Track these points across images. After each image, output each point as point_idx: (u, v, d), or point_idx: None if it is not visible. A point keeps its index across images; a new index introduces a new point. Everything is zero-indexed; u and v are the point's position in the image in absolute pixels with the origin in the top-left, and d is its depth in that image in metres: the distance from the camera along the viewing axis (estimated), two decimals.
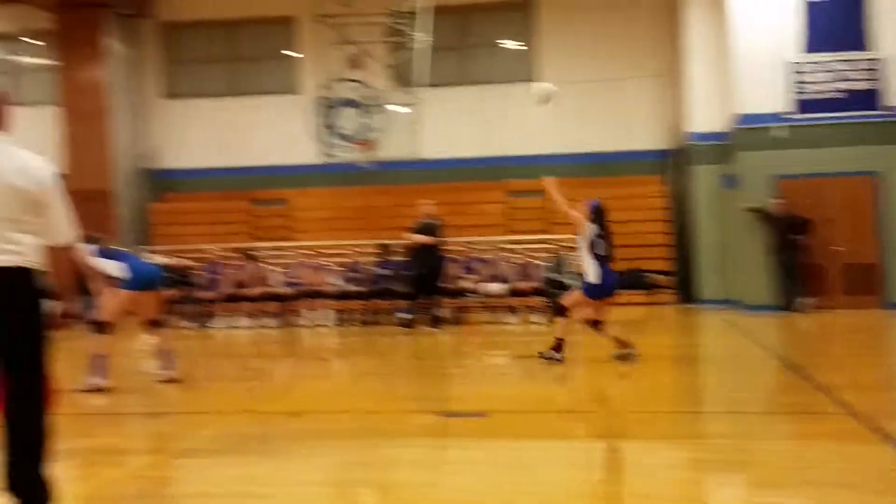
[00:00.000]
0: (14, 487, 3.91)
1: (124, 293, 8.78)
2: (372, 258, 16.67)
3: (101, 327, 8.68)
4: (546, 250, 16.45)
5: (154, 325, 9.20)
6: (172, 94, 21.29)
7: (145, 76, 21.12)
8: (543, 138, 19.67)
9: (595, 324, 9.77)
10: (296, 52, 20.81)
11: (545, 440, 6.18)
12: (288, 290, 16.15)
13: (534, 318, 15.20)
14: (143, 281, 8.93)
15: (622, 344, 9.68)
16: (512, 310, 15.59)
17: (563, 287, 14.74)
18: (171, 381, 8.98)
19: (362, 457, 5.61)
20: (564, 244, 15.71)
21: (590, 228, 9.65)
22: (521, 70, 20.17)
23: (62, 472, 4.10)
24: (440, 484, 4.95)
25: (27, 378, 3.96)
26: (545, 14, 20.27)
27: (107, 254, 9.01)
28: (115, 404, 8.28)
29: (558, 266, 15.67)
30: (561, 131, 19.68)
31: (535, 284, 15.54)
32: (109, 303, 8.78)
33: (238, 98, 20.96)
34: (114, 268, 8.83)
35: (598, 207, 9.80)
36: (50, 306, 4.07)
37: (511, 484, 4.96)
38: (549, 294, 14.94)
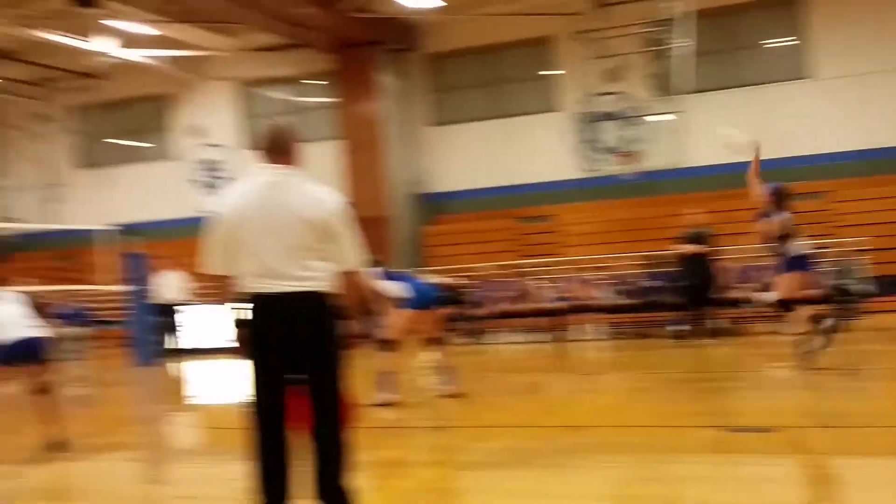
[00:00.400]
0: (322, 497, 4.22)
1: (407, 312, 9.24)
2: (640, 270, 16.44)
3: (387, 345, 9.19)
4: (828, 256, 15.43)
5: (435, 342, 9.60)
6: (439, 121, 22.19)
7: (414, 106, 22.15)
8: (823, 136, 18.52)
9: (787, 304, 9.40)
10: (554, 70, 21.03)
11: (840, 457, 5.81)
12: (558, 305, 16.27)
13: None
14: (423, 300, 9.35)
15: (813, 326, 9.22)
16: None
17: (849, 294, 13.78)
18: (453, 395, 9.32)
19: (647, 472, 5.54)
20: (850, 248, 14.67)
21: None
22: (792, 67, 19.15)
23: (361, 483, 4.38)
24: (729, 502, 4.79)
25: (329, 395, 4.26)
26: (817, 5, 19.10)
27: (390, 276, 9.54)
28: (402, 418, 8.72)
29: (845, 272, 14.66)
30: (842, 127, 18.44)
31: (816, 292, 14.61)
32: (395, 322, 9.28)
33: (500, 120, 21.45)
34: (397, 289, 9.33)
35: (779, 190, 9.96)
36: (344, 327, 4.37)
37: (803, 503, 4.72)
38: (836, 302, 14.01)
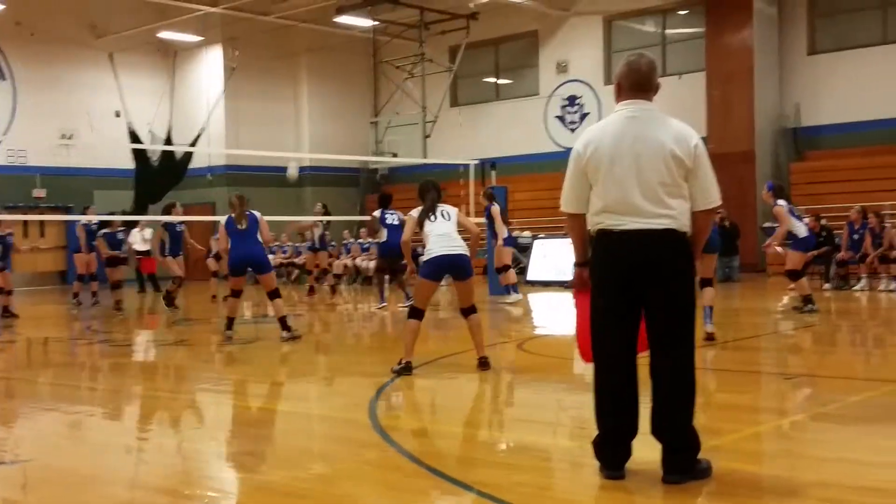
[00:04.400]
0: (661, 434, 4.19)
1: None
2: None
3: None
4: None
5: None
6: (817, 49, 20.58)
7: (789, 33, 20.71)
8: None
9: None
10: None
11: None
12: None
13: None
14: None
15: None
16: None
17: None
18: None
19: None
20: None
21: None
22: None
23: (702, 425, 4.28)
24: None
25: (678, 334, 4.18)
26: None
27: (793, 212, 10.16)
28: (752, 363, 8.41)
29: None
30: None
31: None
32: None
33: (892, 46, 19.43)
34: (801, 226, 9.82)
35: None
36: (693, 266, 4.26)
37: None
38: None
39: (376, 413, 5.98)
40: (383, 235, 13.71)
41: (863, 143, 19.35)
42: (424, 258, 7.51)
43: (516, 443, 5.37)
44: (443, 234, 7.51)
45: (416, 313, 7.58)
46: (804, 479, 4.34)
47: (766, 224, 19.30)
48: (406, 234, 7.96)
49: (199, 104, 25.56)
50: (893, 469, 4.41)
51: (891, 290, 14.79)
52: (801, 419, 5.81)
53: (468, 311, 7.69)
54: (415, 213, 7.82)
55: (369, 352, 7.63)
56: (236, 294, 10.38)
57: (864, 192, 17.97)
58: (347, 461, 5.00)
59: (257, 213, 10.30)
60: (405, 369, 7.41)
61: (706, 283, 9.12)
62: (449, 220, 7.63)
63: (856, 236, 15.54)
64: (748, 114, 19.99)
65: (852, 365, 8.26)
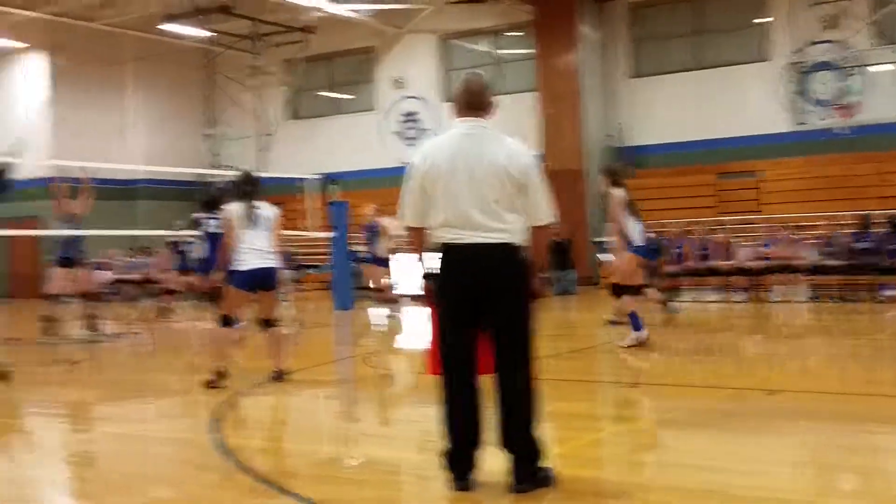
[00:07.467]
0: (508, 446, 4.28)
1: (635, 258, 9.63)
2: (850, 230, 15.56)
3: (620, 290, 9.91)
4: None
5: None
6: (639, 73, 21.61)
7: (613, 57, 21.66)
8: None
9: None
10: (765, 17, 19.95)
11: None
12: (757, 265, 15.62)
13: None
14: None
15: None
16: None
17: None
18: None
19: (845, 441, 5.26)
20: None
21: None
22: None
23: (546, 434, 4.40)
24: None
25: (519, 346, 4.29)
26: None
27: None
28: (589, 372, 8.70)
29: None
30: None
31: None
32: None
33: (705, 71, 20.64)
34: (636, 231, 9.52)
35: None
36: (532, 280, 4.38)
37: None
38: None
39: (217, 433, 5.81)
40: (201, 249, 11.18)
41: (679, 163, 20.44)
42: (236, 268, 7.38)
43: (364, 458, 5.34)
44: (258, 249, 7.42)
45: (227, 321, 7.54)
46: (640, 482, 4.52)
47: (598, 238, 20.05)
48: (228, 237, 7.51)
49: (17, 113, 24.15)
50: (722, 473, 4.64)
51: (713, 301, 15.65)
52: (639, 426, 6.05)
53: (269, 323, 7.65)
54: (234, 209, 7.55)
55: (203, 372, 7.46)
56: None
57: (686, 207, 19.00)
58: (189, 484, 4.83)
59: None
60: (221, 376, 7.38)
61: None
62: (268, 228, 7.52)
63: (677, 250, 16.37)
64: (577, 133, 20.75)
65: (688, 373, 8.67)
